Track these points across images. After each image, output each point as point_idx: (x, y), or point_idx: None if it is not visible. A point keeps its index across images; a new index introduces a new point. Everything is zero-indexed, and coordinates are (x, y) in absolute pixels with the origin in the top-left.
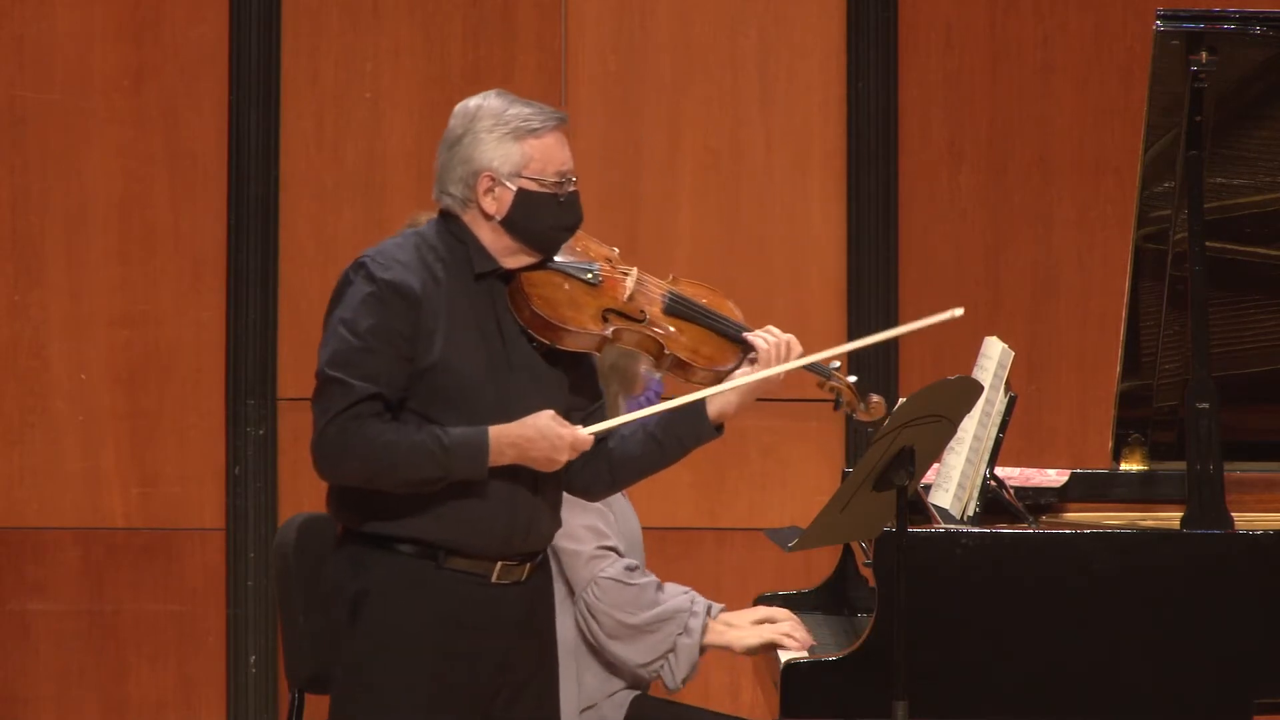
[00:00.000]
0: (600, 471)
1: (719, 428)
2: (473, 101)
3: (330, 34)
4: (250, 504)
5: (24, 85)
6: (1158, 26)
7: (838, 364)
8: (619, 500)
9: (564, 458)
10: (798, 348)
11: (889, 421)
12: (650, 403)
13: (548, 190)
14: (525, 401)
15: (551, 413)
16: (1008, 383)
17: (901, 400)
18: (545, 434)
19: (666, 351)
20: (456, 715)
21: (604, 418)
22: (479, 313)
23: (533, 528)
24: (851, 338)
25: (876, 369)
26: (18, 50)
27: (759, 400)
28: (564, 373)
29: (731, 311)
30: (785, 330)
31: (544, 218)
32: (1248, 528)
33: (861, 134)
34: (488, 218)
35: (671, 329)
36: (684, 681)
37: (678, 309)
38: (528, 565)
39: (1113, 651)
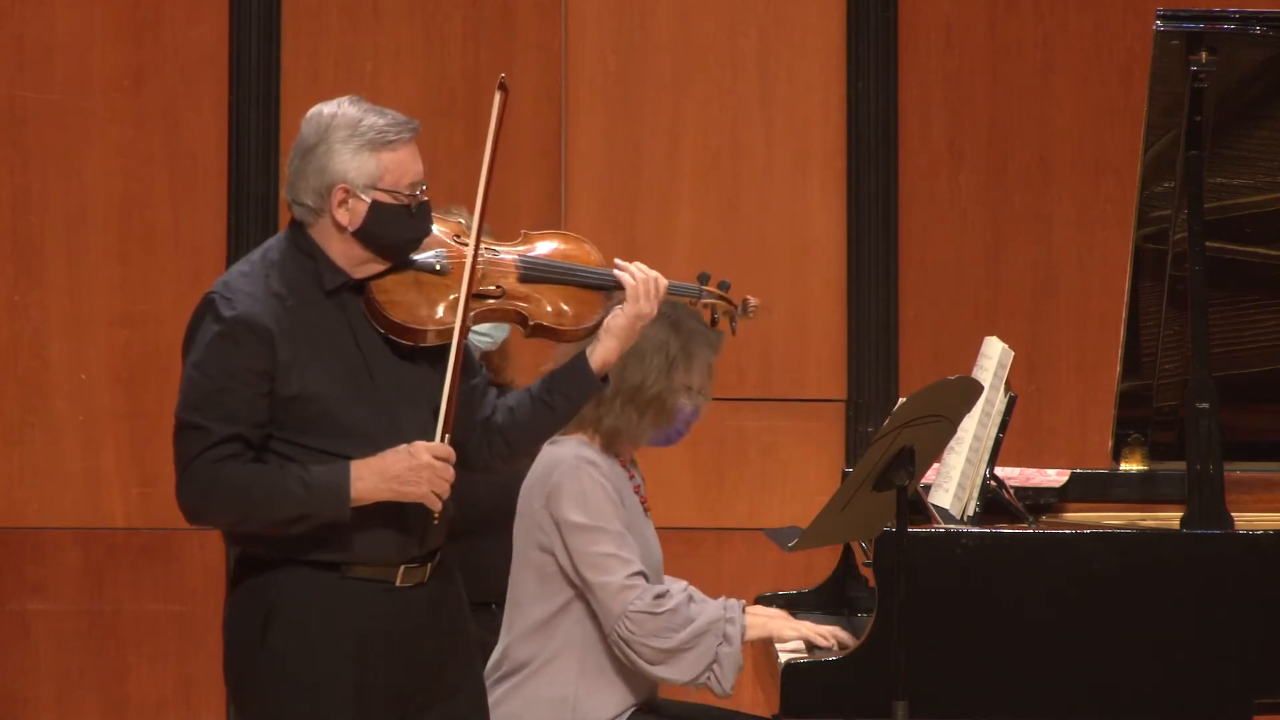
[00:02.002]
0: (496, 445)
1: (605, 379)
2: (326, 109)
3: (330, 34)
4: None
5: (24, 85)
6: (1158, 26)
7: (706, 277)
8: (643, 522)
9: (427, 474)
10: (664, 281)
11: (889, 421)
12: (680, 432)
13: (401, 202)
14: (396, 410)
15: (420, 444)
16: (1008, 383)
17: (901, 400)
18: (399, 452)
19: (530, 321)
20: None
21: (488, 392)
22: (333, 330)
23: (426, 528)
24: (851, 338)
25: (877, 369)
26: (18, 50)
27: (759, 401)
28: (431, 366)
29: (589, 256)
30: (785, 330)
31: (396, 230)
32: (1248, 528)
33: (861, 134)
34: (340, 229)
35: (531, 296)
36: (733, 687)
37: (533, 273)
38: (429, 565)
39: (1112, 652)
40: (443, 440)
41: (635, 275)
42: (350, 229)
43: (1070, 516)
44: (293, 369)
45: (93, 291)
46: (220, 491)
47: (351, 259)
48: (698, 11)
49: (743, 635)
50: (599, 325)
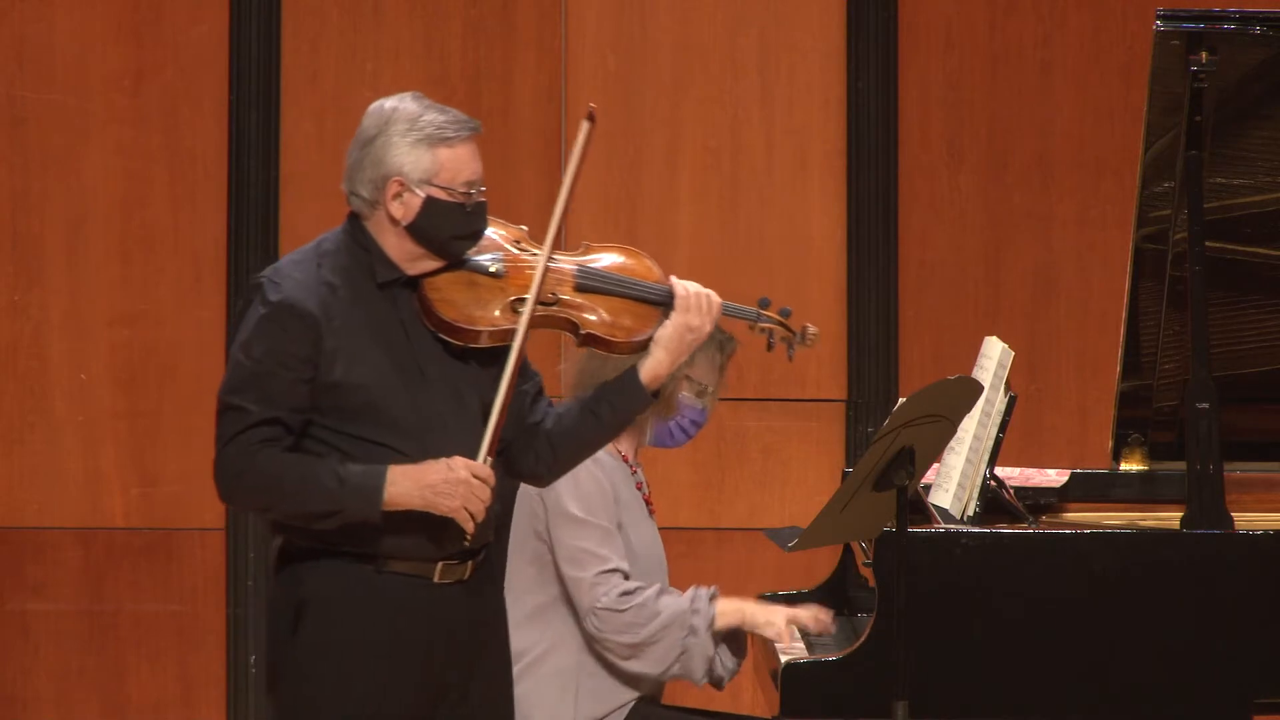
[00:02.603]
0: (543, 452)
1: (655, 393)
2: (388, 103)
3: (330, 34)
4: None
5: (24, 85)
6: (1158, 26)
7: (766, 303)
8: (642, 521)
9: (462, 490)
10: (717, 299)
11: (889, 421)
12: (684, 429)
13: (455, 200)
14: (441, 406)
15: (460, 459)
16: (1008, 383)
17: (901, 400)
18: (439, 464)
19: (582, 330)
20: (403, 717)
21: (540, 397)
22: (383, 323)
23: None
24: (852, 338)
25: (877, 369)
26: (18, 50)
27: (759, 401)
28: (483, 367)
29: (649, 271)
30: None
31: (449, 226)
32: (1248, 528)
33: (861, 134)
34: (394, 222)
35: (585, 306)
36: (705, 677)
37: (590, 284)
38: (470, 563)
39: (1112, 651)
40: (485, 461)
41: (688, 288)
42: (403, 223)
43: (1070, 516)
44: (337, 357)
45: (93, 291)
46: (252, 476)
47: (405, 254)
48: (698, 11)
49: (710, 624)
50: (649, 340)
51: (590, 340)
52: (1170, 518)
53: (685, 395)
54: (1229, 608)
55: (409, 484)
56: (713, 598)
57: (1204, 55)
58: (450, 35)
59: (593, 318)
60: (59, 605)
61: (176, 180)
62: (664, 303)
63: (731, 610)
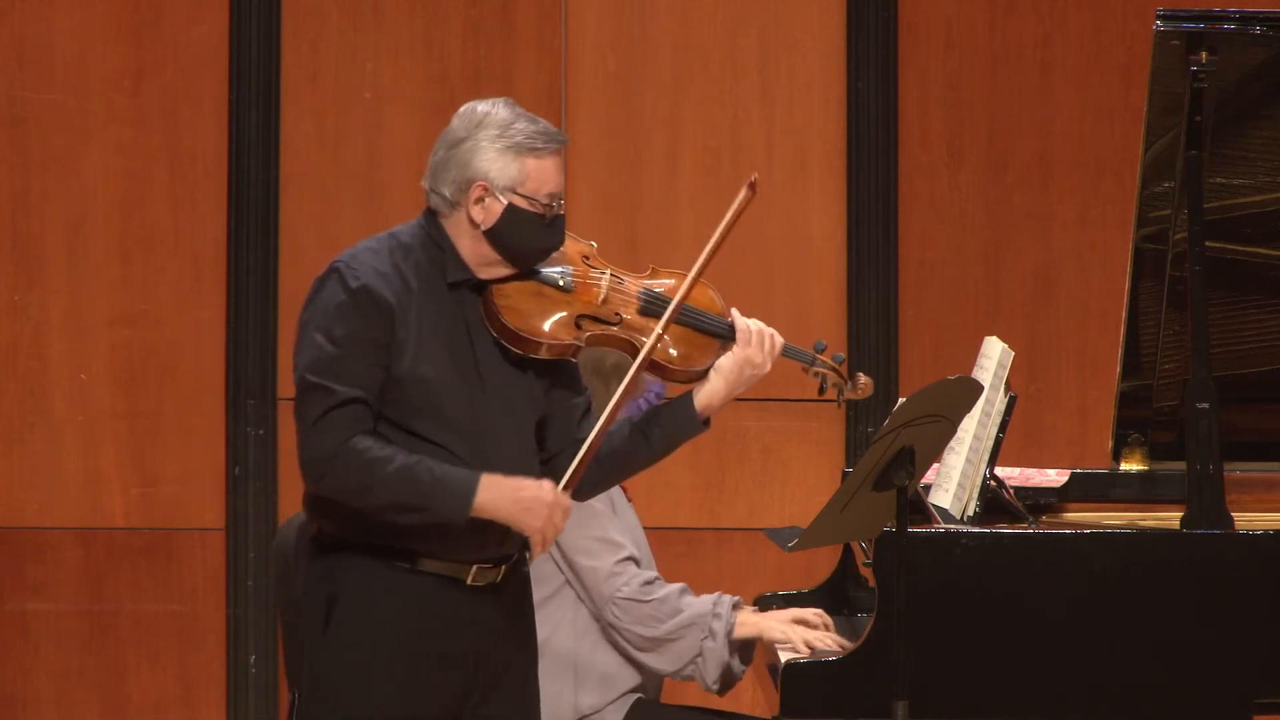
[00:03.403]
0: (589, 471)
1: (706, 421)
2: (481, 106)
3: (330, 34)
4: (250, 504)
5: (24, 85)
6: (1158, 26)
7: (822, 347)
8: (623, 506)
9: (546, 513)
10: (780, 340)
11: (889, 421)
12: (650, 404)
13: (537, 210)
14: (496, 412)
15: (550, 483)
16: (1008, 383)
17: (901, 400)
18: (535, 483)
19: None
20: (428, 717)
21: (589, 414)
22: (450, 322)
23: (507, 532)
24: (852, 338)
25: (877, 370)
26: (18, 50)
27: (759, 400)
28: (538, 377)
29: (712, 303)
30: (785, 330)
31: (527, 236)
32: (1248, 528)
33: (861, 134)
34: (473, 225)
35: (647, 330)
36: (717, 682)
37: (654, 309)
38: (503, 567)
39: (1112, 651)
40: (566, 490)
41: (750, 325)
42: (483, 227)
43: (1070, 516)
44: (406, 349)
45: (93, 291)
46: (348, 457)
47: (479, 258)
48: (698, 11)
49: (729, 632)
50: (707, 371)
51: (650, 365)
52: (1170, 518)
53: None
54: (1229, 608)
55: (500, 494)
56: (736, 606)
57: (1204, 55)
58: (450, 35)
59: (658, 347)
60: (59, 605)
61: (176, 180)
62: (724, 335)
63: (750, 623)
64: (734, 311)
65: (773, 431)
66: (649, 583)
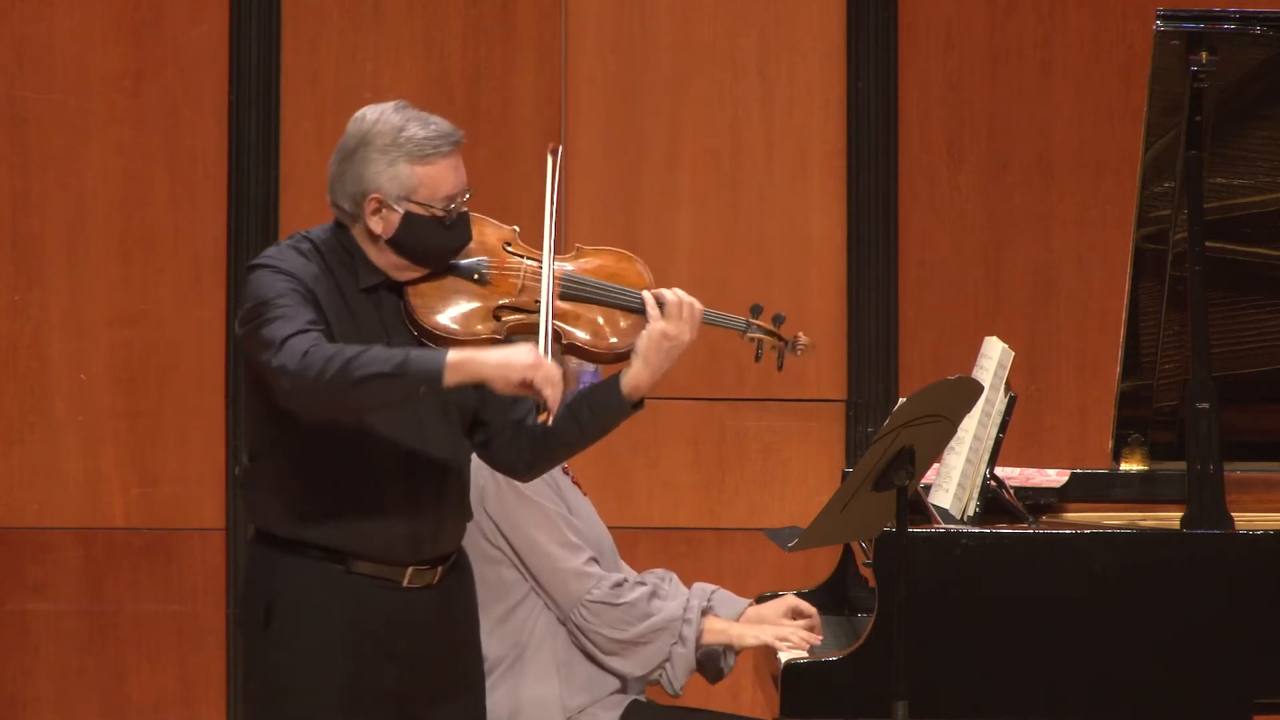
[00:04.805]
0: (523, 450)
1: (638, 404)
2: (371, 113)
3: (330, 34)
4: None
5: (24, 85)
6: (1158, 26)
7: (759, 310)
8: (579, 503)
9: (527, 360)
10: (699, 307)
11: (889, 421)
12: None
13: (435, 215)
14: (422, 414)
15: (529, 346)
16: (1008, 383)
17: (901, 400)
18: (505, 349)
19: (563, 340)
20: (370, 715)
21: (529, 402)
22: (367, 325)
23: (440, 534)
24: (852, 338)
25: (877, 369)
26: (18, 50)
27: (759, 401)
28: None
29: (640, 277)
30: (784, 330)
31: (430, 241)
32: (1248, 528)
33: (861, 134)
34: (374, 237)
35: (568, 314)
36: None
37: (574, 291)
38: (439, 569)
39: (1112, 651)
40: (547, 355)
41: (665, 295)
42: (384, 237)
43: (1070, 516)
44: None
45: (93, 291)
46: (318, 352)
47: (388, 264)
48: (698, 11)
49: (699, 639)
50: (632, 349)
51: (572, 350)
52: (1170, 518)
53: (574, 362)
54: (1229, 608)
55: (473, 353)
56: (706, 611)
57: (1204, 55)
58: (450, 35)
59: (576, 330)
60: (59, 605)
61: (176, 180)
62: (645, 312)
63: (717, 631)
64: (659, 290)
65: (773, 431)
66: (618, 585)
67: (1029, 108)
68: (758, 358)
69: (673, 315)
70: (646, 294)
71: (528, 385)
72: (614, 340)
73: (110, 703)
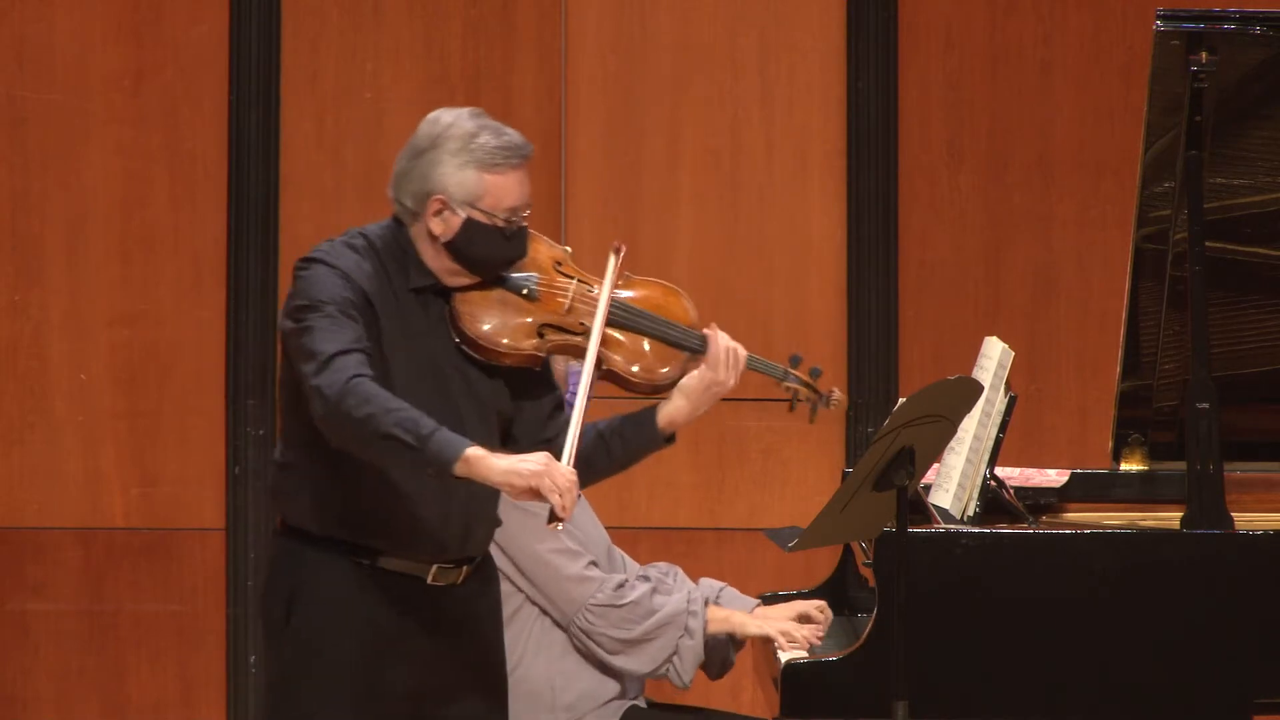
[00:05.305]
0: None
1: (670, 438)
2: (446, 116)
3: (330, 34)
4: (250, 504)
5: (24, 85)
6: (1158, 26)
7: (798, 360)
8: (579, 511)
9: (544, 468)
10: (744, 354)
11: (889, 421)
12: (573, 396)
13: (496, 224)
14: (462, 418)
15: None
16: (1008, 383)
17: (901, 400)
18: (522, 458)
19: (604, 366)
20: (386, 716)
21: (558, 411)
22: (415, 325)
23: (469, 533)
24: (852, 338)
25: (877, 369)
26: (18, 50)
27: (759, 401)
28: (506, 378)
29: (685, 313)
30: (785, 330)
31: (487, 249)
32: (1248, 528)
33: (861, 134)
34: (432, 238)
35: (612, 341)
36: (691, 680)
37: (619, 318)
38: (465, 568)
39: (1112, 651)
40: (569, 463)
41: (721, 342)
42: (442, 240)
43: (1070, 516)
44: (380, 344)
45: (93, 291)
46: (359, 389)
47: (442, 267)
48: (698, 11)
49: (704, 629)
50: (672, 385)
51: (609, 376)
52: (1170, 518)
53: (560, 362)
54: (1229, 608)
55: (492, 457)
56: (707, 602)
57: (1204, 55)
58: (450, 35)
59: (617, 356)
60: (59, 605)
61: (176, 180)
62: (692, 349)
63: (720, 619)
64: (713, 326)
65: (773, 431)
66: (620, 586)
67: (1029, 108)
68: (792, 407)
69: (725, 363)
70: (712, 338)
71: (535, 493)
72: (655, 374)
73: (110, 703)
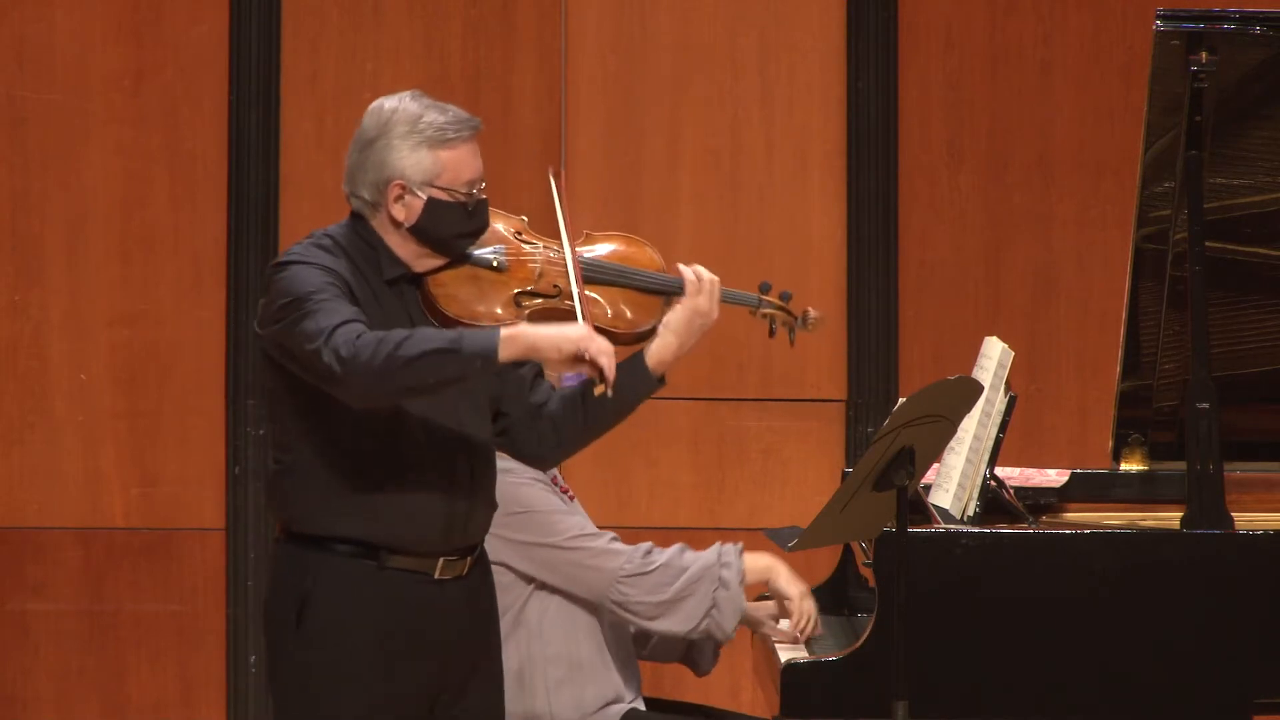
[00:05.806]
0: (546, 434)
1: (661, 378)
2: (388, 103)
3: (330, 34)
4: (250, 504)
5: (24, 85)
6: (1158, 26)
7: (767, 287)
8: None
9: (582, 331)
10: (718, 283)
11: (889, 421)
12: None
13: (457, 200)
14: (453, 403)
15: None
16: (1008, 383)
17: (901, 400)
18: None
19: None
20: (402, 714)
21: (539, 379)
22: (393, 318)
23: (471, 519)
24: (852, 338)
25: (877, 369)
26: (18, 50)
27: (759, 401)
28: None
29: (651, 259)
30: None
31: (452, 226)
32: (1248, 528)
33: (861, 134)
34: (396, 224)
35: (588, 298)
36: (734, 631)
37: (592, 275)
38: (468, 559)
39: (1112, 652)
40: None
41: (699, 273)
42: (406, 224)
43: (1070, 516)
44: None
45: (93, 291)
46: (369, 336)
47: (410, 253)
48: (698, 11)
49: (741, 579)
50: (654, 330)
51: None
52: (1170, 518)
53: (554, 378)
54: (1229, 608)
55: (525, 328)
56: (740, 552)
57: (1204, 55)
58: (450, 35)
59: (596, 311)
60: (59, 605)
61: (176, 180)
62: (666, 291)
63: (761, 566)
64: (680, 265)
65: (773, 431)
66: (648, 552)
67: (1029, 108)
68: (771, 333)
69: (706, 292)
70: (687, 270)
71: (581, 357)
72: (638, 322)
73: (110, 703)
